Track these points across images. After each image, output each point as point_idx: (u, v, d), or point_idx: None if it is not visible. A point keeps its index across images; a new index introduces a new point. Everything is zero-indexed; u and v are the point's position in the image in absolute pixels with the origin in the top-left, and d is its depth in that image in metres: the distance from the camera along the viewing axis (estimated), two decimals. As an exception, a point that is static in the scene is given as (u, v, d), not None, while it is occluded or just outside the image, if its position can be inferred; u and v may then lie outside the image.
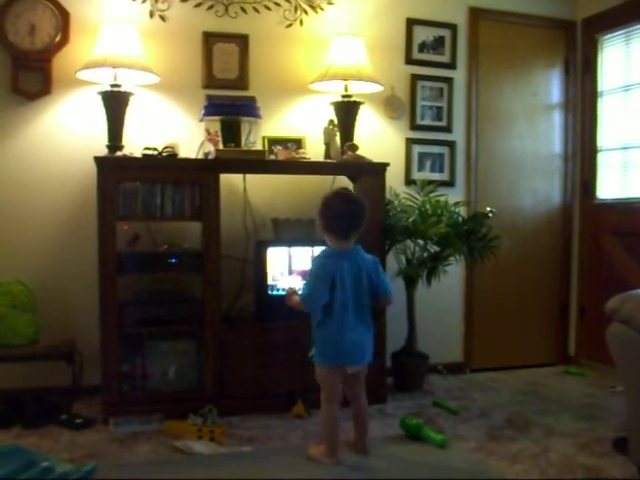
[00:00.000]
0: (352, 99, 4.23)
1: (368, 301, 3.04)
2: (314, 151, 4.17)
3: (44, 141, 3.93)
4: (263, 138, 4.19)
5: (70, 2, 3.91)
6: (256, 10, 4.26)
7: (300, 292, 3.07)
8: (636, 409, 2.74)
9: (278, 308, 3.85)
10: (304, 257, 3.85)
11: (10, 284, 3.68)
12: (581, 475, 2.80)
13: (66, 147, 3.95)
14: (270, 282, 3.85)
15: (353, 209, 2.98)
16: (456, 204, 4.36)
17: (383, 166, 3.99)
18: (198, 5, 4.16)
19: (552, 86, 5.08)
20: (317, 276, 2.97)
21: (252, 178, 4.14)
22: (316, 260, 3.07)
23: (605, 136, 4.89)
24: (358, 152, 4.02)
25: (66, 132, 3.96)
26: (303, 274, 3.67)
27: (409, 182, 4.59)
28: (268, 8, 4.28)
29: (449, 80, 4.72)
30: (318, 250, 3.83)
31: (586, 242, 5.00)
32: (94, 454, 3.09)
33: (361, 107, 4.26)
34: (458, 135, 4.77)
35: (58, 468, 2.66)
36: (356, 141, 4.16)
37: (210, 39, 4.19)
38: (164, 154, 3.74)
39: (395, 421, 3.53)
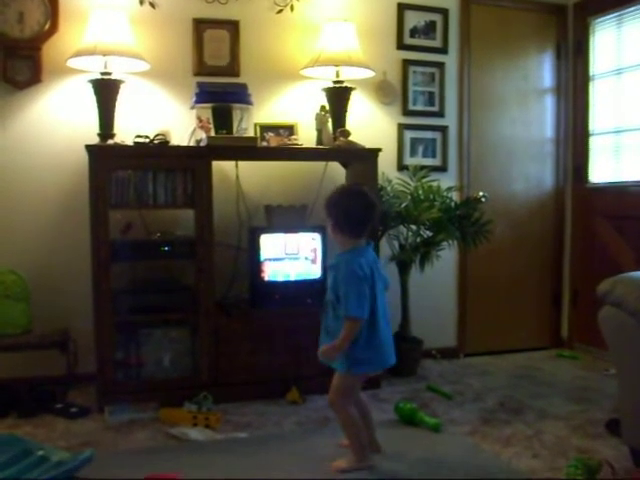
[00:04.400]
0: (344, 85, 4.21)
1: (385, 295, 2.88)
2: (306, 137, 4.16)
3: (34, 130, 3.91)
4: (255, 125, 4.17)
5: (59, -11, 3.88)
6: (246, -4, 4.25)
7: (347, 306, 2.67)
8: (628, 391, 2.76)
9: (272, 294, 3.88)
10: (296, 243, 3.89)
11: (3, 274, 3.68)
12: (573, 460, 2.82)
13: (57, 136, 3.93)
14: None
15: (372, 212, 2.77)
16: (448, 189, 4.36)
17: (375, 152, 3.99)
18: (188, -9, 4.14)
19: (544, 70, 5.08)
20: (360, 278, 2.68)
21: (244, 165, 4.13)
22: (348, 262, 2.72)
23: (597, 120, 4.89)
24: (350, 138, 4.01)
25: (57, 121, 3.94)
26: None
27: (401, 168, 4.58)
28: (258, -6, 4.27)
29: (441, 65, 4.71)
30: (310, 236, 3.87)
31: (579, 226, 5.02)
32: (90, 442, 3.10)
33: (353, 93, 4.25)
34: (450, 120, 4.77)
35: (54, 457, 2.66)
36: (348, 127, 4.15)
37: (200, 26, 4.16)
38: (156, 142, 3.72)
39: (389, 406, 3.54)
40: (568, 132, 5.08)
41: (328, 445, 3.03)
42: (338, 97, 4.22)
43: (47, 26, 3.85)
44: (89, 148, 3.52)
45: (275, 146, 3.99)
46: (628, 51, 4.59)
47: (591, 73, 4.91)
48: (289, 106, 4.35)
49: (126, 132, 3.83)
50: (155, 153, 3.70)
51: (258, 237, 3.85)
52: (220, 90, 3.94)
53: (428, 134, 4.72)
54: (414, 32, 4.63)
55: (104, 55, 3.71)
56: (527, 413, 3.57)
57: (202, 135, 3.82)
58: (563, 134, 5.10)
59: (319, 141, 4.12)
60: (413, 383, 4.14)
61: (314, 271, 3.90)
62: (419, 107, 4.69)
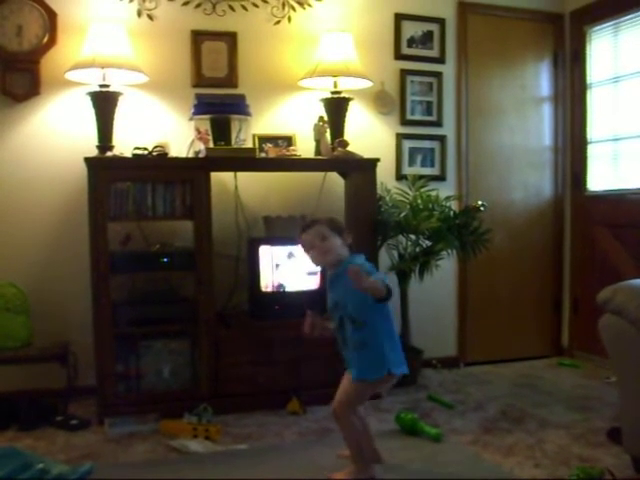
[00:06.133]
0: (342, 95, 4.22)
1: None
2: (304, 148, 4.17)
3: (33, 143, 3.91)
4: (253, 136, 4.18)
5: (57, 3, 3.89)
6: (244, 8, 4.25)
7: (378, 277, 2.63)
8: (629, 399, 2.75)
9: (271, 305, 3.88)
10: (295, 254, 3.88)
11: (3, 287, 3.68)
12: (575, 469, 2.81)
13: (56, 148, 3.94)
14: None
15: None
16: (447, 198, 4.36)
17: (374, 162, 3.99)
18: (186, 4, 4.15)
19: (541, 79, 5.09)
20: (372, 267, 2.73)
21: (243, 176, 4.13)
22: (356, 261, 2.74)
23: (595, 128, 4.90)
24: (348, 148, 4.02)
25: (55, 133, 3.94)
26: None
27: (400, 177, 4.59)
28: (256, 5, 4.28)
29: (438, 74, 4.72)
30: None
31: (578, 234, 5.02)
32: (90, 455, 3.09)
33: (351, 103, 4.26)
34: (448, 129, 4.78)
35: (54, 470, 2.66)
36: (346, 137, 4.16)
37: (198, 37, 4.18)
38: (154, 154, 3.72)
39: (390, 416, 3.53)
40: (566, 140, 5.09)
41: (329, 456, 3.02)
42: (336, 107, 4.23)
43: (45, 39, 3.86)
44: (88, 160, 3.52)
45: (274, 157, 4.00)
46: (625, 59, 4.61)
47: (588, 81, 4.92)
48: (287, 117, 4.36)
49: (125, 144, 3.84)
50: (154, 165, 3.70)
51: (257, 248, 3.84)
52: (218, 101, 3.95)
53: (426, 143, 4.72)
54: (411, 42, 4.65)
55: (102, 67, 3.73)
56: (528, 422, 3.56)
57: (201, 146, 3.83)
58: (561, 142, 5.11)
59: (317, 152, 4.13)
60: (413, 393, 4.13)
61: (313, 282, 3.90)
62: (417, 117, 4.70)
